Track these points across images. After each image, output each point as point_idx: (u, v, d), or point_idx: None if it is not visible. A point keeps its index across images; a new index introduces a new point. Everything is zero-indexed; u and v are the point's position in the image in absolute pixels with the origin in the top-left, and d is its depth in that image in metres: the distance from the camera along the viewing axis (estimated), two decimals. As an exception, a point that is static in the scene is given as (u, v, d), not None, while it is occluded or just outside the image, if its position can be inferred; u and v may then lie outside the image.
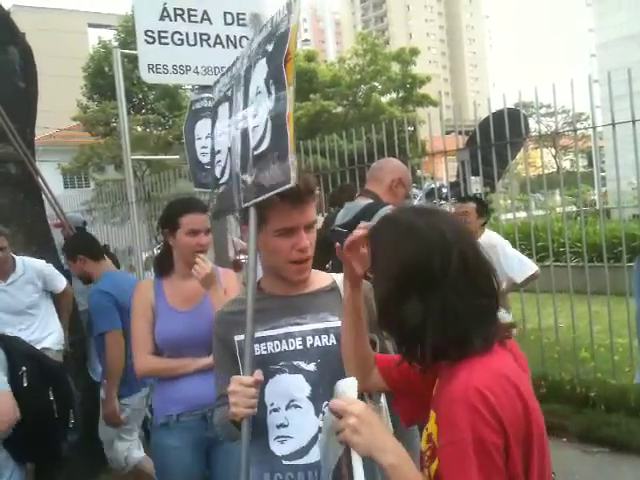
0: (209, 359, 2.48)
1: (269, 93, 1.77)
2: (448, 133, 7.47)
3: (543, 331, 5.83)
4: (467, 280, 1.33)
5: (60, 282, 4.79)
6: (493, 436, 1.20)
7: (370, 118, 24.52)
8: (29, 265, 4.69)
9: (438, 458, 1.29)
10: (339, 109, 30.18)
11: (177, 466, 2.78)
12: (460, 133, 6.96)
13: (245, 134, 1.90)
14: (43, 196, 5.62)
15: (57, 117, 34.80)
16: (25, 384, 2.72)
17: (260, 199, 1.80)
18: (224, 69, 2.31)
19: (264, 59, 1.82)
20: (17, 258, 4.65)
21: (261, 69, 1.83)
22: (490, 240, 4.89)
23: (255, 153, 1.84)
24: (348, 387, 1.45)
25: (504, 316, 4.75)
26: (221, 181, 2.10)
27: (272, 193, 1.74)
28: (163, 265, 3.01)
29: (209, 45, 3.63)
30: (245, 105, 1.92)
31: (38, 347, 4.05)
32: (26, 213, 5.19)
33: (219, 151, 2.13)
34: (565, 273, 5.72)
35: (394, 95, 31.24)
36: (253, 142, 1.85)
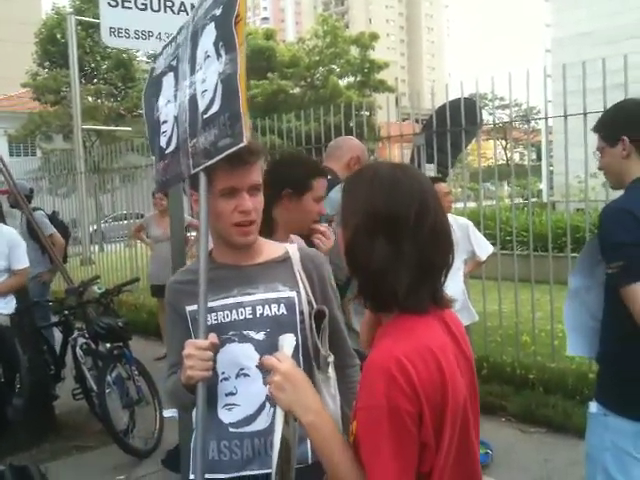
0: None
1: (218, 56, 1.77)
2: (404, 120, 7.54)
3: (487, 316, 5.98)
4: (435, 237, 1.39)
5: (22, 263, 4.69)
6: (407, 404, 1.25)
7: (327, 101, 24.52)
8: (6, 230, 4.72)
9: (355, 420, 1.35)
10: (296, 90, 30.07)
11: None
12: (417, 121, 7.04)
13: (194, 99, 1.89)
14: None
15: (5, 83, 33.71)
16: None
17: (212, 162, 1.79)
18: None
19: (212, 23, 1.81)
20: None
21: (209, 33, 1.83)
22: (459, 220, 5.00)
23: (205, 117, 1.83)
24: (286, 343, 1.55)
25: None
26: (167, 151, 2.07)
27: (224, 154, 1.73)
28: (263, 229, 2.70)
29: (173, 12, 3.56)
30: (193, 72, 1.91)
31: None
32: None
33: (165, 121, 2.09)
34: (511, 261, 5.87)
35: (352, 79, 31.29)
36: (202, 106, 1.84)
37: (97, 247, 12.92)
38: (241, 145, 1.68)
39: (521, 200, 16.44)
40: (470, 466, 1.43)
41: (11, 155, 26.78)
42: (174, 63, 2.07)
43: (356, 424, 1.33)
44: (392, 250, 1.35)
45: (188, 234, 7.08)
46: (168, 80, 2.10)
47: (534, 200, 14.79)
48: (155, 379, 5.12)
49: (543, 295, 6.02)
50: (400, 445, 1.26)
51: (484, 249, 5.07)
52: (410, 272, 1.35)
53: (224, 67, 1.74)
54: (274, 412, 1.83)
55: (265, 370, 1.63)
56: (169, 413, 4.97)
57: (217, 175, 1.83)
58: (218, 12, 1.80)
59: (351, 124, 6.92)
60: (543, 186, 18.60)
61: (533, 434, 4.83)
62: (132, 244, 10.31)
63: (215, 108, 1.78)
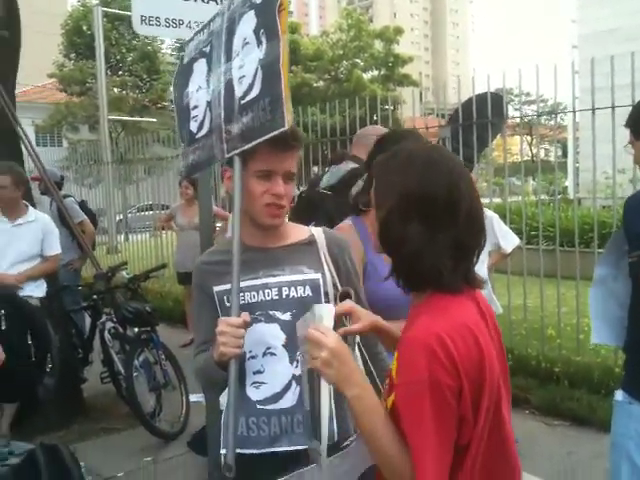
0: None
1: (259, 43, 1.79)
2: (427, 115, 7.52)
3: (512, 310, 5.96)
4: (470, 219, 1.42)
5: (54, 250, 4.84)
6: (448, 379, 1.29)
7: (351, 94, 24.48)
8: (42, 217, 4.86)
9: (395, 394, 1.37)
10: (320, 83, 30.06)
11: None
12: (443, 116, 7.02)
13: (230, 85, 1.92)
14: (22, 148, 5.55)
15: (32, 73, 34.07)
16: (3, 327, 2.72)
17: (250, 145, 1.82)
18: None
19: (252, 11, 1.84)
20: (30, 207, 4.82)
21: (249, 21, 1.85)
22: (484, 212, 4.98)
23: (242, 102, 1.86)
24: (325, 314, 1.53)
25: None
26: (198, 135, 2.11)
27: (264, 137, 1.76)
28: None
29: (203, 1, 3.62)
30: (229, 58, 1.94)
31: (20, 293, 4.07)
32: (3, 161, 5.07)
33: (196, 106, 2.13)
34: (536, 256, 5.85)
35: (375, 73, 31.21)
36: (240, 92, 1.87)
37: (123, 236, 13.06)
38: (283, 129, 1.71)
39: (546, 197, 16.33)
40: (503, 442, 1.46)
41: (38, 145, 26.97)
42: (207, 50, 2.10)
43: (396, 399, 1.36)
44: (426, 231, 1.38)
45: (217, 225, 7.15)
46: (199, 66, 2.14)
47: (560, 196, 14.74)
48: (181, 365, 5.21)
49: (569, 290, 5.99)
50: (441, 418, 1.29)
51: (509, 241, 5.05)
52: (446, 253, 1.38)
53: (265, 54, 1.76)
54: (301, 390, 1.87)
55: (297, 345, 1.62)
56: (195, 398, 5.05)
57: (254, 156, 1.86)
58: (258, 0, 1.82)
59: (375, 118, 6.91)
60: (569, 182, 18.45)
61: (557, 427, 4.82)
62: (157, 234, 10.42)
63: (254, 93, 1.81)
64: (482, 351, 1.35)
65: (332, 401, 1.66)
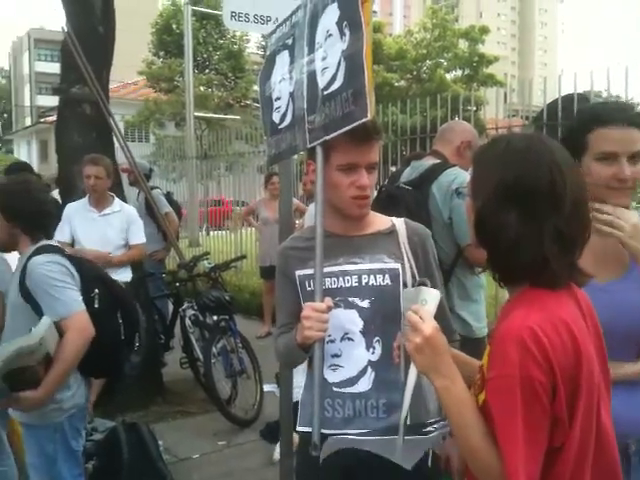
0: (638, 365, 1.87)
1: (342, 35, 1.83)
2: (512, 117, 7.39)
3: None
4: (575, 210, 1.37)
5: (138, 238, 5.06)
6: (540, 375, 1.25)
7: (432, 94, 24.29)
8: (127, 207, 5.09)
9: (486, 389, 1.34)
10: (402, 83, 29.89)
11: None
12: (527, 118, 6.89)
13: (312, 77, 1.97)
14: (114, 140, 5.81)
15: (123, 71, 35.42)
16: (96, 305, 2.88)
17: (332, 136, 1.87)
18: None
19: (335, 4, 1.87)
20: (116, 198, 5.05)
21: (331, 13, 1.89)
22: None
23: (325, 93, 1.91)
24: (431, 298, 1.52)
25: None
26: (281, 126, 2.18)
27: (347, 128, 1.81)
28: None
29: (290, -3, 3.71)
30: (312, 50, 1.99)
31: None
32: (97, 153, 5.33)
33: (278, 98, 2.20)
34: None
35: (459, 73, 30.77)
36: (322, 83, 1.92)
37: (204, 231, 13.44)
38: (365, 119, 1.74)
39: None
40: (604, 450, 1.39)
41: (126, 140, 28.03)
42: (289, 42, 2.16)
43: (487, 393, 1.34)
44: (525, 222, 1.34)
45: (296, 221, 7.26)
46: (282, 58, 2.21)
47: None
48: (256, 355, 5.34)
49: None
50: (531, 414, 1.26)
51: None
52: (547, 245, 1.34)
53: (348, 45, 1.81)
54: (375, 377, 1.95)
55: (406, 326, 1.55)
56: (269, 387, 5.17)
57: (337, 150, 1.91)
58: None
59: (457, 118, 6.86)
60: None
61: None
62: (236, 229, 10.66)
63: (337, 85, 1.86)
64: (579, 347, 1.30)
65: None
